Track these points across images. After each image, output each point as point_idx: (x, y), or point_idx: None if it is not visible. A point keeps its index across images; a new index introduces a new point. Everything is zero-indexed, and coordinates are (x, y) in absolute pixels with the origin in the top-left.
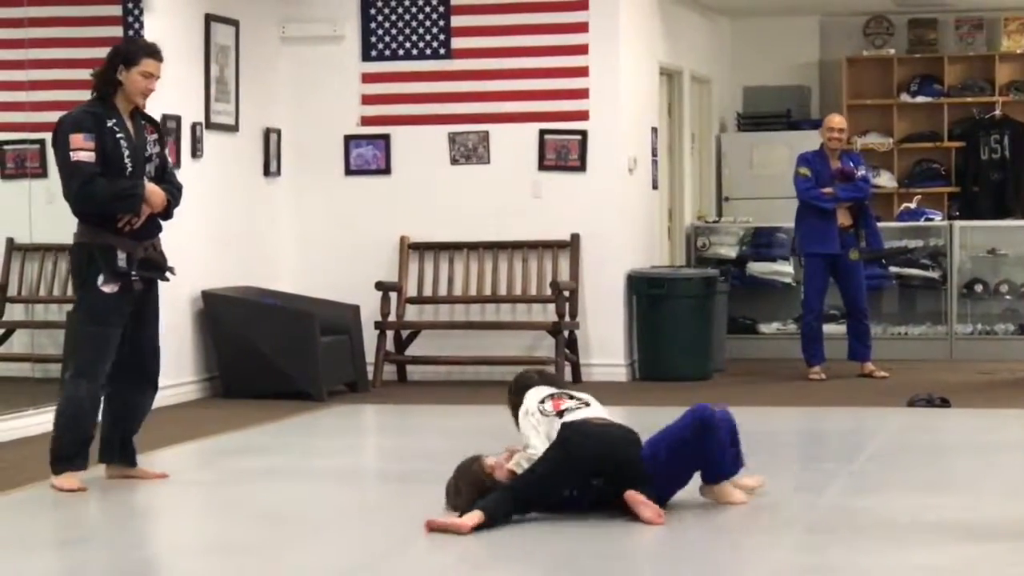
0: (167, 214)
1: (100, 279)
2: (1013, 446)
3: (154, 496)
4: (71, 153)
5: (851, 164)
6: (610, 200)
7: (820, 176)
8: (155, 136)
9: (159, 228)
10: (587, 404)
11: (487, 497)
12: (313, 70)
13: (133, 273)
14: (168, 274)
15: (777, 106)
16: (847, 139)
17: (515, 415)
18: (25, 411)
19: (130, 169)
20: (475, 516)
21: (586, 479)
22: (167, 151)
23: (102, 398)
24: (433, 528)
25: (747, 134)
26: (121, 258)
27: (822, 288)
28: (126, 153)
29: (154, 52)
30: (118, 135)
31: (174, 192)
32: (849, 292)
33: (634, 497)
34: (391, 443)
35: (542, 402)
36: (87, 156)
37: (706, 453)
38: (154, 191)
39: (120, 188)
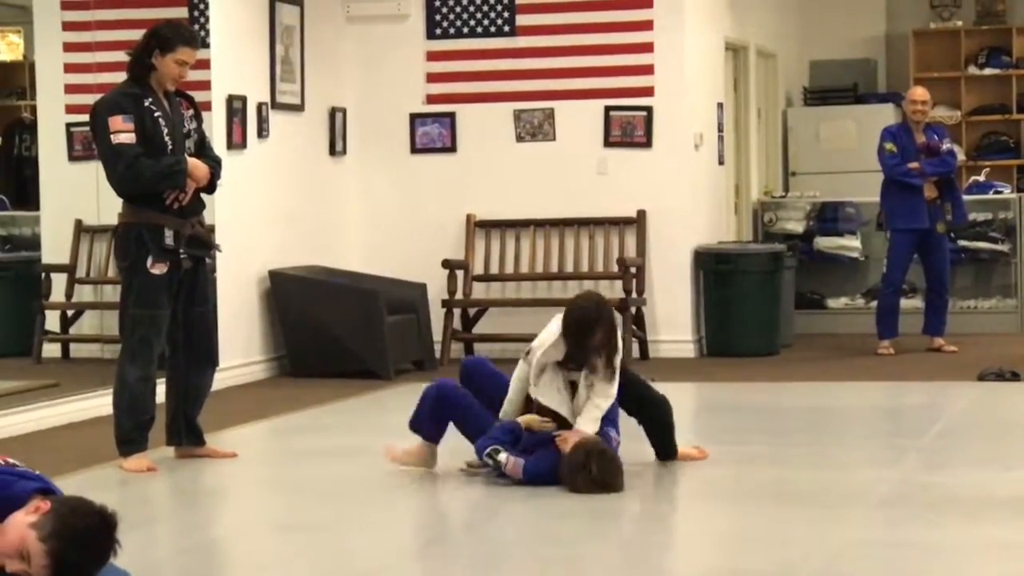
0: (211, 188)
1: (149, 260)
2: None
3: (221, 476)
4: (111, 136)
5: (935, 137)
6: (676, 176)
7: (905, 151)
8: (191, 112)
9: (203, 205)
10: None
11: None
12: (378, 49)
13: (181, 251)
14: (215, 251)
15: (844, 80)
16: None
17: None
18: (95, 392)
19: (170, 146)
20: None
21: None
22: (203, 125)
23: (160, 380)
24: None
25: (813, 108)
26: (168, 236)
27: (907, 264)
28: (165, 131)
29: (191, 40)
30: (156, 114)
31: (215, 166)
32: (935, 266)
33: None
34: None
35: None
36: (128, 138)
37: None
38: (197, 165)
39: (165, 166)
